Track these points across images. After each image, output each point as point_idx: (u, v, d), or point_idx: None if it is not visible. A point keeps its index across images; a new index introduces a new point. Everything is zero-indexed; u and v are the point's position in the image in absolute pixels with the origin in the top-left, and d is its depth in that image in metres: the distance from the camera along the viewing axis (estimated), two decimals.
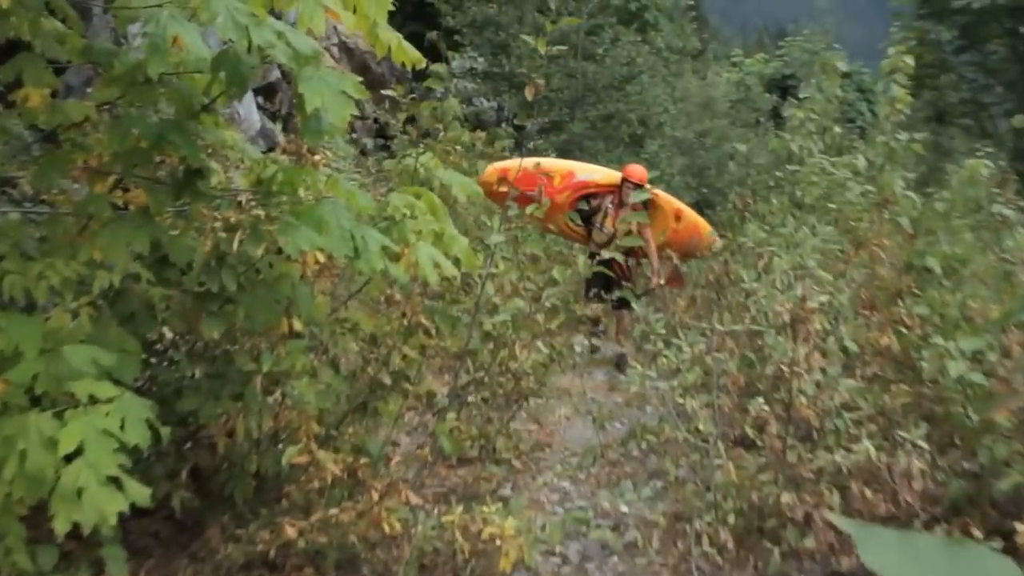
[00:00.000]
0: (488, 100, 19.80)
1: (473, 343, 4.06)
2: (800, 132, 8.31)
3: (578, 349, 6.77)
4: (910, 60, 7.69)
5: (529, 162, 6.50)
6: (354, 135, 11.22)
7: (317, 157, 3.68)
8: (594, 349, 7.86)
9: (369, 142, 11.37)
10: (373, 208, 3.17)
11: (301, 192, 3.23)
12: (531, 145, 17.29)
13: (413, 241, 3.17)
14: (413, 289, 3.77)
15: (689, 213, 8.36)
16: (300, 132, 2.67)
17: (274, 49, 2.41)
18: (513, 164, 5.81)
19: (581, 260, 4.09)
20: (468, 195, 3.77)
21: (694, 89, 22.75)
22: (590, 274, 6.37)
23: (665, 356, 4.00)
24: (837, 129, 8.86)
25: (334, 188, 3.09)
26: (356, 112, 2.66)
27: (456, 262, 3.39)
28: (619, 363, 7.54)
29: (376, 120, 12.86)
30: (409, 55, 2.94)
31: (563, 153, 17.79)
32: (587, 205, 7.75)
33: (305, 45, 2.50)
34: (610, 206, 7.63)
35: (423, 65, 2.95)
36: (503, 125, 19.12)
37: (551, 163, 8.16)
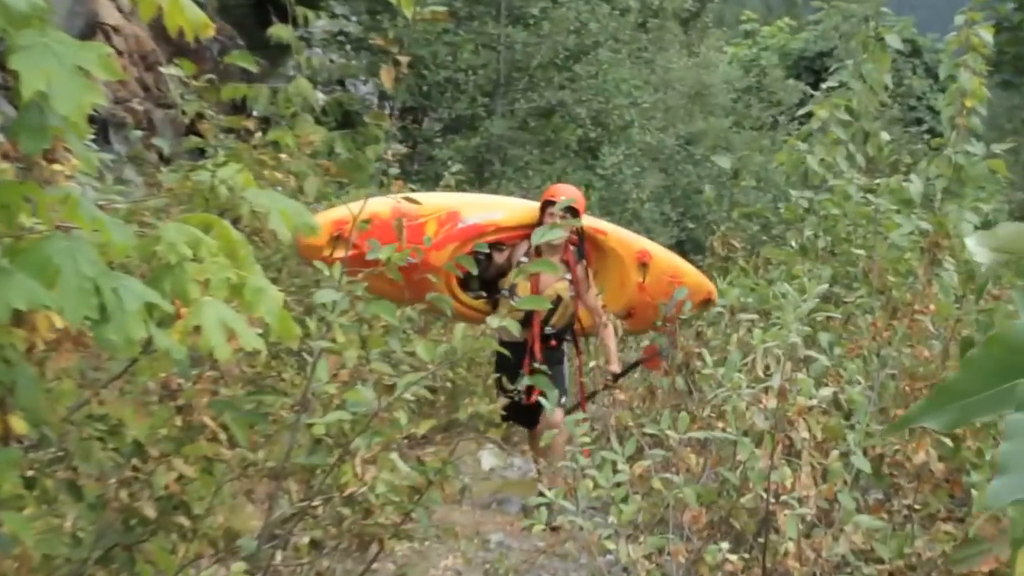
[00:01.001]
0: (365, 82, 20.01)
1: (297, 455, 4.08)
2: (822, 140, 8.51)
3: (487, 465, 6.82)
4: (988, 35, 7.84)
5: (379, 206, 6.25)
6: (141, 132, 11.22)
7: (58, 167, 3.70)
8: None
9: (165, 146, 11.37)
10: (135, 247, 3.19)
11: (26, 220, 3.24)
12: (432, 154, 17.49)
13: (196, 296, 3.20)
14: (203, 370, 3.79)
15: (663, 258, 8.27)
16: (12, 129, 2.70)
17: None
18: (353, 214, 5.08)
19: (458, 331, 4.12)
20: (296, 229, 3.82)
21: (681, 71, 23.02)
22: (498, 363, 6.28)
23: (590, 477, 4.08)
24: (885, 136, 8.94)
25: (73, 214, 3.10)
26: (102, 101, 2.69)
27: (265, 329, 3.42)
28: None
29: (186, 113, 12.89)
30: (190, 18, 3.00)
31: (477, 165, 17.92)
32: (487, 262, 7.46)
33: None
34: (524, 260, 7.36)
35: (211, 33, 3.02)
36: (389, 118, 19.16)
37: (422, 202, 7.36)
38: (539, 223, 7.21)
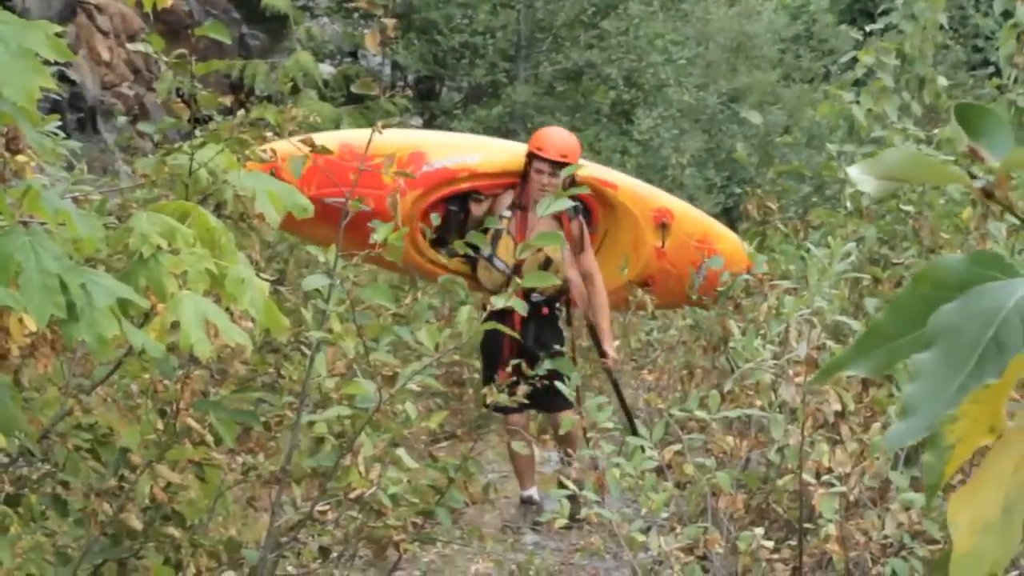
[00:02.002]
0: (376, 54, 20.09)
1: (298, 457, 4.15)
2: (869, 88, 8.47)
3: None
4: None
5: (329, 139, 5.60)
6: (127, 118, 11.34)
7: (22, 157, 3.77)
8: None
9: (153, 131, 11.50)
10: (104, 239, 3.26)
11: None
12: (451, 127, 17.52)
13: (173, 290, 3.26)
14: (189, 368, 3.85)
15: (690, 218, 7.78)
16: None
17: None
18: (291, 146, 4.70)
19: (464, 313, 4.16)
20: (287, 213, 3.88)
21: (721, 22, 22.98)
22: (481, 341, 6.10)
23: (618, 466, 4.13)
24: (943, 81, 8.90)
25: (35, 206, 3.17)
26: (51, 85, 2.76)
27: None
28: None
29: (179, 93, 13.00)
30: None
31: (501, 136, 17.75)
32: (461, 215, 6.97)
33: None
34: (508, 215, 6.95)
35: (168, 3, 3.08)
36: (403, 90, 19.28)
37: (380, 139, 6.58)
38: (524, 174, 6.87)
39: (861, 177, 1.03)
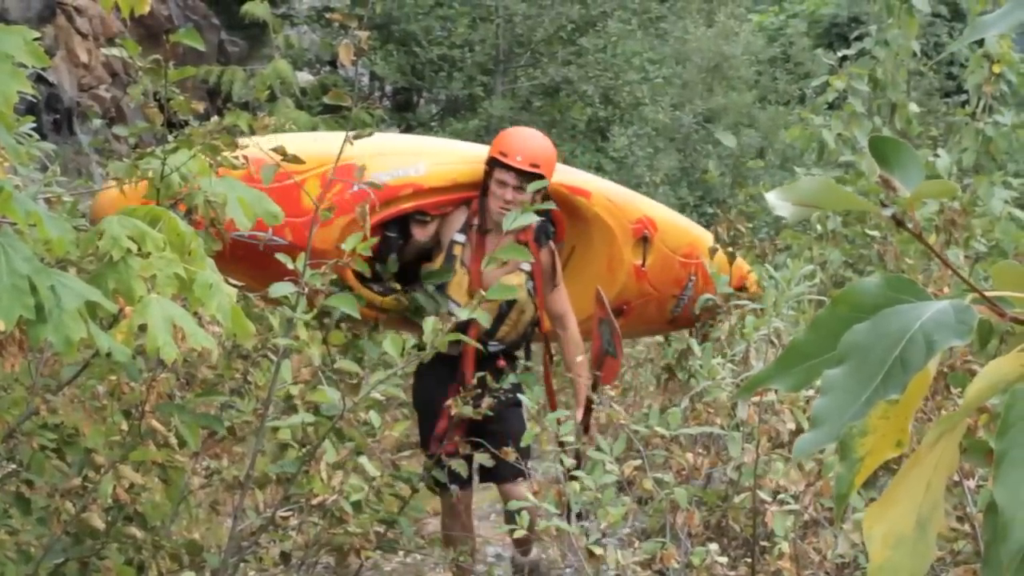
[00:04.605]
0: (355, 63, 20.12)
1: (262, 463, 4.19)
2: (839, 113, 8.59)
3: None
4: None
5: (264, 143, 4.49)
6: (103, 121, 11.36)
7: None
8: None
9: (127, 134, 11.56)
10: (74, 241, 3.30)
11: None
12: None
13: (142, 293, 3.30)
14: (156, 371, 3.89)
15: (674, 228, 6.53)
16: None
17: None
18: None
19: (429, 324, 4.17)
20: (259, 220, 3.92)
21: (699, 43, 23.15)
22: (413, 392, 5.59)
23: (574, 478, 4.19)
24: (914, 107, 9.02)
25: (6, 207, 3.22)
26: (28, 88, 2.81)
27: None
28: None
29: (156, 97, 13.05)
30: None
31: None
32: (400, 241, 5.65)
33: None
34: (461, 239, 5.60)
35: (145, 9, 3.13)
36: (380, 101, 19.39)
37: (301, 141, 5.76)
38: (483, 188, 5.52)
39: (778, 202, 1.10)
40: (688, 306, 6.31)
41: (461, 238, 5.54)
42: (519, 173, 5.32)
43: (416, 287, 5.60)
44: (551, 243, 5.63)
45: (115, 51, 3.95)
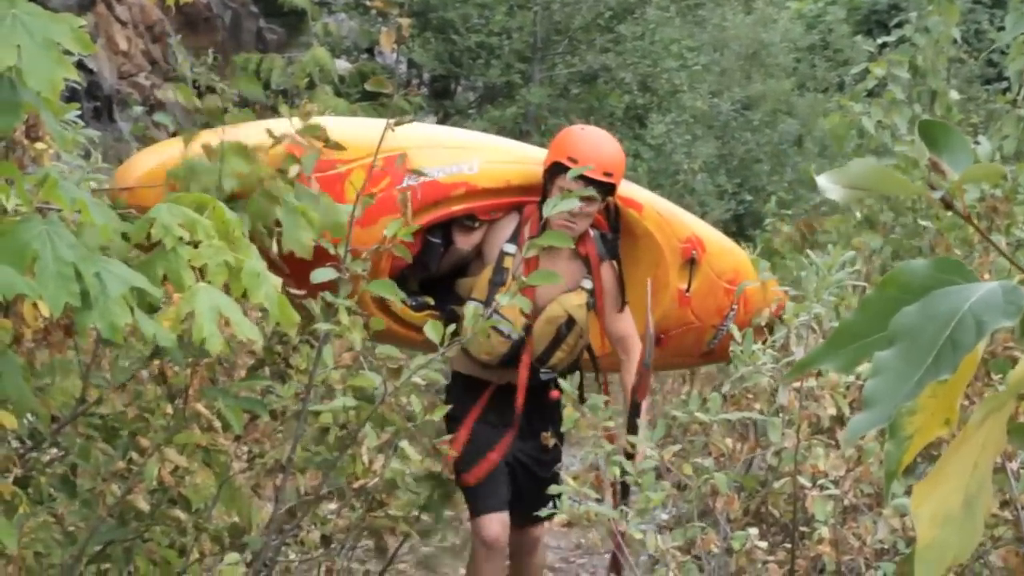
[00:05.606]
0: (393, 50, 20.17)
1: (303, 447, 4.23)
2: (879, 101, 8.51)
3: None
4: None
5: (252, 132, 4.22)
6: (142, 108, 11.44)
7: (41, 145, 3.85)
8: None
9: (169, 122, 11.63)
10: (120, 229, 3.33)
11: (6, 203, 3.39)
12: (464, 126, 17.65)
13: (190, 282, 3.32)
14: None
15: (720, 250, 5.75)
16: None
17: None
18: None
19: (469, 310, 4.15)
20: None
21: (737, 30, 23.08)
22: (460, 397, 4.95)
23: (615, 464, 4.20)
24: (954, 94, 8.93)
25: (53, 194, 3.25)
26: (75, 75, 2.84)
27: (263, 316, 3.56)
28: None
29: (196, 86, 13.14)
30: None
31: (514, 137, 17.75)
32: (442, 248, 4.91)
33: None
34: (511, 251, 4.84)
35: None
36: (418, 88, 19.40)
37: (337, 125, 4.47)
38: (543, 195, 4.78)
39: (828, 186, 1.12)
40: (725, 339, 5.31)
41: (512, 248, 4.79)
42: (589, 182, 4.57)
43: (450, 302, 4.85)
44: (614, 261, 4.99)
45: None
